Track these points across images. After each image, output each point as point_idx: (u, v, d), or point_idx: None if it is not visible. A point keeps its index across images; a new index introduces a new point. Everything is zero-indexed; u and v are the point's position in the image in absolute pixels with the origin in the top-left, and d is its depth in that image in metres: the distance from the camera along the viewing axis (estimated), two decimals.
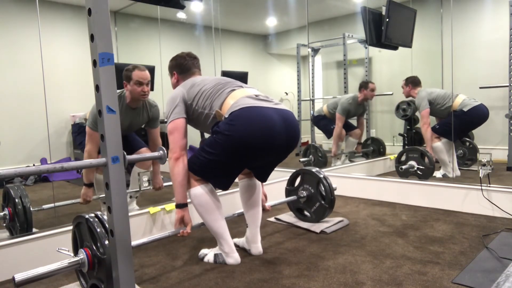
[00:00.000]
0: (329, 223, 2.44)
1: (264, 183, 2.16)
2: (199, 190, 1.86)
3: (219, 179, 1.85)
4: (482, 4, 4.37)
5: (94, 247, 1.43)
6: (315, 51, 5.29)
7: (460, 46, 4.16)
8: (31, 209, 2.21)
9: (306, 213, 2.54)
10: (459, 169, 3.74)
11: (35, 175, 3.93)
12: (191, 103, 1.90)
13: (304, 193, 2.49)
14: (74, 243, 1.57)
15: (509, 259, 1.80)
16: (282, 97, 5.72)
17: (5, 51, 3.77)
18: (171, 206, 2.46)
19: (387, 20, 3.79)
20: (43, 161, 3.69)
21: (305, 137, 5.72)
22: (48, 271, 1.38)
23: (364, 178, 3.27)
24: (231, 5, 4.89)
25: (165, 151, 1.74)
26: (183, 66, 2.08)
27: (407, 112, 4.54)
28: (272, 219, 2.66)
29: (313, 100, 4.73)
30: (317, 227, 2.38)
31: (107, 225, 1.35)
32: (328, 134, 4.44)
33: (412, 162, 3.46)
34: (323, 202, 2.43)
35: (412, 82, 3.83)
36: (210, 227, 1.90)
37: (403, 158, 3.55)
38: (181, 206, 1.87)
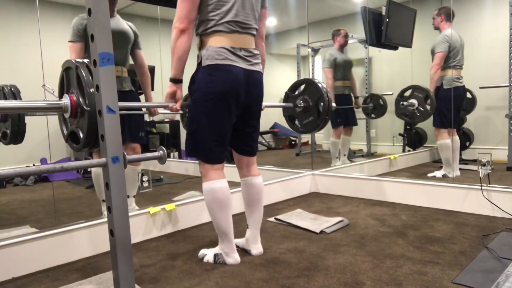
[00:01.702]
0: (329, 223, 2.44)
1: (262, 181, 2.15)
2: (218, 184, 1.84)
3: (211, 147, 1.83)
4: (482, 4, 4.37)
5: (80, 94, 1.35)
6: (315, 51, 5.29)
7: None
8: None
9: (297, 123, 2.47)
10: (459, 169, 3.74)
11: (35, 175, 3.93)
12: None
13: (302, 103, 2.41)
14: (61, 88, 1.49)
15: (509, 259, 1.80)
16: (282, 97, 5.72)
17: (5, 51, 3.77)
18: (171, 206, 2.46)
19: (387, 20, 3.79)
20: (43, 161, 3.68)
21: (305, 137, 5.72)
22: (27, 106, 1.35)
23: (364, 178, 3.27)
24: None
25: (165, 151, 1.74)
26: None
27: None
28: (272, 219, 2.66)
29: None
30: (317, 227, 2.38)
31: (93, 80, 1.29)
32: (334, 124, 4.33)
33: (414, 101, 3.41)
34: (318, 118, 2.36)
35: (446, 14, 3.62)
36: (218, 225, 1.88)
37: (407, 93, 3.50)
38: (177, 81, 1.85)
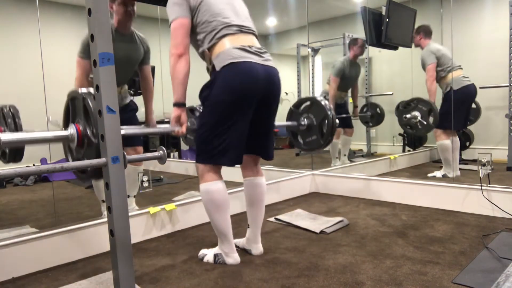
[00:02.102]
0: (329, 223, 2.44)
1: (265, 182, 2.14)
2: (214, 186, 1.83)
3: (226, 151, 1.79)
4: (482, 4, 4.37)
5: (86, 124, 1.35)
6: (315, 51, 5.29)
7: (460, 46, 4.16)
8: (23, 129, 2.14)
9: (299, 139, 2.46)
10: (459, 169, 3.74)
11: (35, 175, 3.93)
12: (194, 14, 1.82)
13: (306, 122, 2.40)
14: (66, 118, 1.49)
15: (509, 259, 1.80)
16: (282, 97, 5.72)
17: (5, 51, 3.77)
18: (171, 206, 2.46)
19: (387, 20, 3.79)
20: (43, 161, 3.68)
21: None
22: (35, 137, 1.33)
23: (364, 178, 3.27)
24: None
25: (165, 151, 1.74)
26: None
27: None
28: (272, 219, 2.66)
29: None
30: (317, 227, 2.38)
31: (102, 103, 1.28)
32: None
33: (417, 113, 3.41)
34: (321, 137, 2.36)
35: (424, 31, 3.73)
36: (216, 226, 1.88)
37: (411, 105, 3.50)
38: (180, 105, 1.83)
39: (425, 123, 3.31)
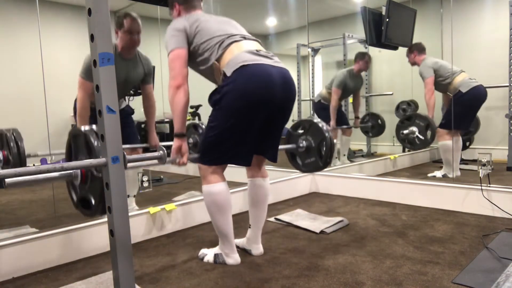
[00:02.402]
0: (329, 223, 2.44)
1: (269, 183, 2.14)
2: (216, 188, 1.82)
3: (236, 154, 1.79)
4: (482, 4, 4.37)
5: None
6: (315, 51, 5.29)
7: (460, 46, 4.16)
8: (25, 153, 2.16)
9: (298, 160, 2.48)
10: (460, 169, 3.74)
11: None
12: (192, 40, 1.82)
13: (304, 144, 2.40)
14: (69, 154, 1.51)
15: (509, 259, 1.80)
16: None
17: (5, 51, 3.77)
18: (171, 206, 2.46)
19: (387, 20, 3.79)
20: (43, 161, 3.68)
21: None
22: (39, 178, 1.34)
23: (364, 178, 3.27)
24: (231, 5, 4.89)
25: (165, 151, 1.74)
26: None
27: (407, 112, 4.54)
28: (272, 219, 2.66)
29: (313, 100, 4.73)
30: (317, 227, 2.38)
31: (103, 134, 1.30)
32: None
33: (415, 128, 3.42)
34: (319, 160, 2.38)
35: (418, 49, 3.76)
36: (217, 227, 1.88)
37: (409, 121, 3.53)
38: (180, 135, 1.82)
39: (422, 138, 3.33)
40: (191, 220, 2.58)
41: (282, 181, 3.24)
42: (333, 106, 4.17)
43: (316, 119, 2.39)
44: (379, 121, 4.62)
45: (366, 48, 4.98)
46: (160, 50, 4.06)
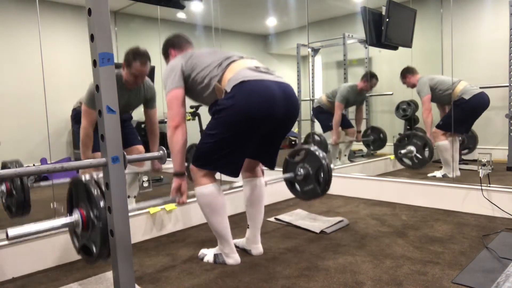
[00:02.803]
0: (329, 223, 2.44)
1: (264, 182, 2.15)
2: (206, 189, 1.83)
3: (227, 164, 1.80)
4: (482, 4, 4.37)
5: (89, 209, 1.39)
6: (315, 51, 5.29)
7: (460, 46, 4.16)
8: (29, 184, 2.18)
9: (297, 187, 2.50)
10: (459, 169, 3.74)
11: (35, 175, 3.93)
12: (190, 73, 1.86)
13: (302, 172, 2.41)
14: (69, 202, 1.54)
15: (509, 259, 1.80)
16: None
17: (5, 51, 3.77)
18: (171, 206, 2.46)
19: (387, 20, 3.78)
20: (43, 161, 3.68)
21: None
22: (41, 229, 1.36)
23: (364, 178, 3.26)
24: (231, 5, 4.89)
25: (165, 151, 1.74)
26: (179, 40, 2.07)
27: (407, 112, 4.55)
28: (272, 219, 2.66)
29: (313, 100, 4.73)
30: (317, 227, 2.38)
31: (103, 187, 1.34)
32: (325, 128, 4.42)
33: (412, 148, 3.45)
34: (318, 187, 2.39)
35: (408, 71, 3.81)
36: (214, 228, 1.89)
37: (406, 140, 3.55)
38: (180, 175, 1.85)
39: (420, 157, 3.36)
40: (191, 220, 2.58)
41: (282, 181, 3.23)
42: (336, 121, 4.22)
43: (313, 147, 2.43)
44: (381, 135, 4.64)
45: (366, 48, 4.98)
46: (160, 50, 4.06)
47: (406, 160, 3.51)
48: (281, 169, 2.45)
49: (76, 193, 1.49)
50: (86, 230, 1.41)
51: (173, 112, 1.82)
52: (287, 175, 2.43)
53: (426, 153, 3.40)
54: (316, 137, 4.31)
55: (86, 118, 2.48)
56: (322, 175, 2.34)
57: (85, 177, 1.43)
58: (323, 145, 4.24)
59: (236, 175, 1.84)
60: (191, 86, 1.87)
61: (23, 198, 2.14)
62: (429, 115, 3.59)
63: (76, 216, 1.41)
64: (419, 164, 3.38)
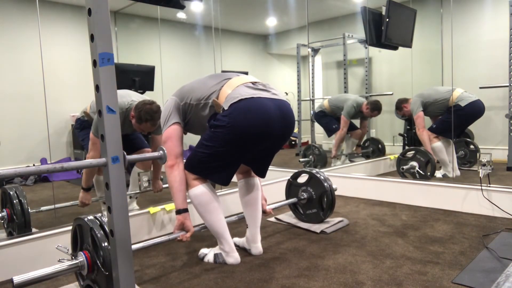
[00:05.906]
0: (329, 223, 2.44)
1: (263, 186, 2.17)
2: (198, 190, 1.86)
3: (219, 174, 1.84)
4: (482, 4, 4.36)
5: (94, 251, 1.43)
6: (315, 51, 5.28)
7: (460, 46, 4.16)
8: (29, 210, 2.20)
9: (300, 210, 2.53)
10: (459, 169, 3.74)
11: (35, 175, 3.93)
12: (185, 101, 1.89)
13: (305, 195, 2.47)
14: (74, 242, 1.57)
15: (509, 259, 1.80)
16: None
17: (5, 51, 3.77)
18: (171, 206, 2.46)
19: (387, 20, 3.78)
20: (43, 161, 3.68)
21: (305, 137, 5.72)
22: (47, 274, 1.38)
23: (364, 178, 3.27)
24: (231, 5, 4.89)
25: (165, 151, 1.74)
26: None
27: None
28: (272, 219, 2.66)
29: (313, 100, 4.73)
30: (317, 227, 2.38)
31: (107, 229, 1.36)
32: (329, 132, 4.44)
33: (415, 163, 3.47)
34: (321, 212, 2.42)
35: (403, 102, 3.89)
36: (210, 227, 1.90)
37: (408, 154, 3.57)
38: (181, 211, 1.87)
39: (423, 173, 3.40)
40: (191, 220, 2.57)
41: (282, 181, 3.23)
42: (341, 136, 4.26)
43: (315, 170, 2.44)
44: (380, 145, 4.66)
45: (366, 48, 4.98)
46: (160, 50, 4.07)
47: (408, 175, 3.55)
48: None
49: (80, 234, 1.52)
50: (92, 272, 1.45)
51: (169, 152, 1.87)
52: (291, 200, 2.49)
53: (429, 168, 3.44)
54: (315, 150, 4.31)
55: (93, 149, 2.45)
56: (325, 200, 2.37)
57: (88, 218, 1.46)
58: (322, 157, 4.24)
59: (226, 184, 1.87)
60: (189, 112, 1.90)
61: (24, 222, 2.17)
62: (423, 132, 3.64)
63: (81, 258, 1.45)
64: (421, 179, 3.42)
